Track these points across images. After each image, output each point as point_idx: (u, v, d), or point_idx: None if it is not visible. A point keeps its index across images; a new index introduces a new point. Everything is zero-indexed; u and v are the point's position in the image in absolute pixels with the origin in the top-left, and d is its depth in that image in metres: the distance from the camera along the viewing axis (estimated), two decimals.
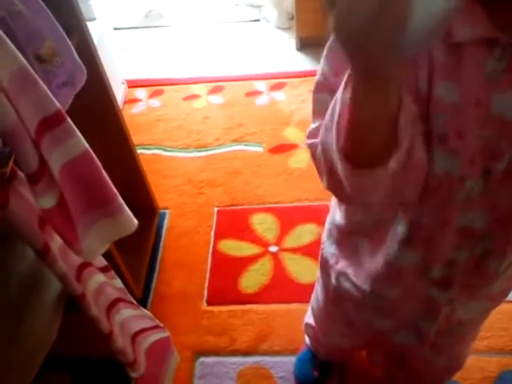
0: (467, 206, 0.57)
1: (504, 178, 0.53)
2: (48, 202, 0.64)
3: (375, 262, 0.70)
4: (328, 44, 0.55)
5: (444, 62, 0.48)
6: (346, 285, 0.78)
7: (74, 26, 1.09)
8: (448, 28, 0.46)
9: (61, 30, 0.72)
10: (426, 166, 0.53)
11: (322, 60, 0.56)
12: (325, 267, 0.85)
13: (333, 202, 0.79)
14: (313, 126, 0.58)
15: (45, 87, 0.58)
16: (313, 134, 0.58)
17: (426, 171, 0.54)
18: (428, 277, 0.67)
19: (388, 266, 0.68)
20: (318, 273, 0.93)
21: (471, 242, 0.61)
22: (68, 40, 0.74)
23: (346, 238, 0.76)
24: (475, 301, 0.74)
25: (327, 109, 0.52)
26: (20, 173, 0.64)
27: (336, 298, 0.87)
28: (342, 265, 0.78)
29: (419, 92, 0.50)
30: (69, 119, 0.63)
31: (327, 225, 0.83)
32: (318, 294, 0.99)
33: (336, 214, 0.77)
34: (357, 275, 0.75)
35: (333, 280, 0.83)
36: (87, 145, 0.66)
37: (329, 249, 0.82)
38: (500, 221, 0.59)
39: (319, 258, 0.87)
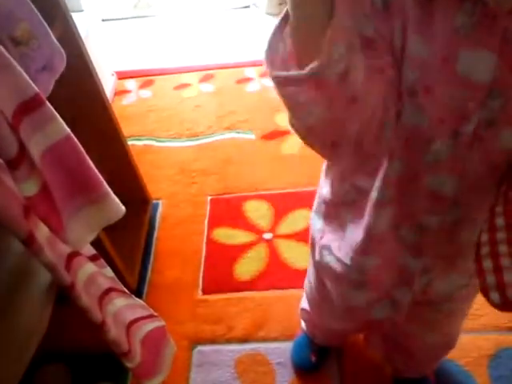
0: (436, 167, 0.57)
1: (473, 142, 0.53)
2: (30, 188, 0.63)
3: (356, 234, 0.70)
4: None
5: (416, 15, 0.47)
6: (328, 258, 0.79)
7: (56, 15, 1.07)
8: None
9: (36, 12, 0.70)
10: (370, 103, 0.50)
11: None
12: (313, 245, 0.85)
13: (321, 178, 0.79)
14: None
15: (21, 70, 0.57)
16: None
17: (373, 110, 0.51)
18: (398, 236, 0.67)
19: (366, 236, 0.68)
20: (309, 256, 0.92)
21: (442, 207, 0.61)
22: (44, 22, 0.73)
23: (333, 211, 0.76)
24: (456, 274, 0.74)
25: None
26: (0, 160, 0.62)
27: (317, 274, 0.88)
28: (327, 239, 0.78)
29: (394, 43, 0.49)
30: (48, 103, 0.61)
31: (315, 199, 0.83)
32: (309, 276, 0.99)
33: (323, 188, 0.77)
34: (340, 248, 0.75)
35: (316, 255, 0.83)
36: (69, 130, 0.65)
37: (316, 224, 0.82)
38: (472, 189, 0.58)
39: (309, 236, 0.87)
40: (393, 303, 0.79)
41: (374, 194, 0.64)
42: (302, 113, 0.50)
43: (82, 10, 2.19)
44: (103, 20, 2.61)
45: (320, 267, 0.84)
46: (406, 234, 0.67)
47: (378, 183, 0.62)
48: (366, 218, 0.67)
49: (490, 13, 0.44)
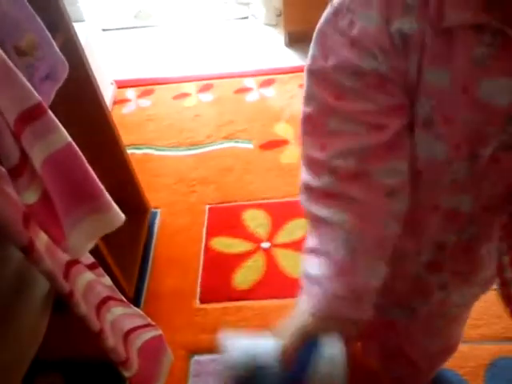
0: (453, 188, 0.57)
1: (490, 163, 0.53)
2: (31, 196, 0.63)
3: None
4: (317, 29, 0.54)
5: (434, 47, 0.47)
6: None
7: (59, 25, 1.08)
8: (440, 12, 0.45)
9: (41, 23, 0.71)
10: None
11: (312, 44, 0.56)
12: None
13: None
14: (307, 109, 0.56)
15: (24, 79, 0.58)
16: (306, 122, 0.57)
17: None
18: (419, 260, 0.67)
19: None
20: None
21: (458, 225, 0.61)
22: (48, 33, 0.74)
23: None
24: (468, 286, 0.74)
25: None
26: (2, 168, 0.63)
27: None
28: None
29: (408, 77, 0.50)
30: (50, 112, 0.62)
31: None
32: None
33: None
34: None
35: None
36: (70, 138, 0.65)
37: None
38: (486, 208, 0.59)
39: None
40: (411, 310, 0.80)
41: None
42: None
43: (83, 20, 2.21)
44: (104, 30, 2.63)
45: None
46: (425, 256, 0.67)
47: None
48: None
49: (509, 42, 0.44)
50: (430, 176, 0.56)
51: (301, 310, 0.56)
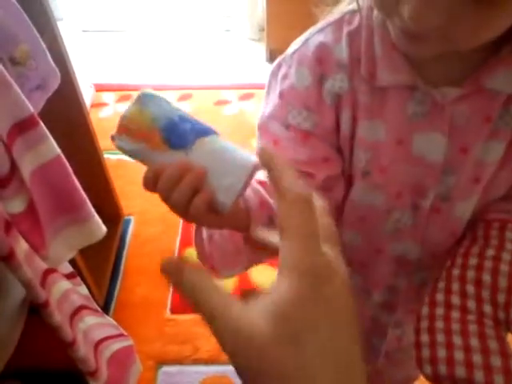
0: (397, 236, 0.59)
1: (431, 213, 0.55)
2: (17, 206, 0.63)
3: None
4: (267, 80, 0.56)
5: (368, 103, 0.50)
6: None
7: (44, 27, 1.08)
8: (372, 73, 0.48)
9: (36, 33, 0.71)
10: None
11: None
12: None
13: None
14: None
15: (18, 91, 0.58)
16: None
17: None
18: (371, 300, 0.69)
19: None
20: None
21: (408, 270, 0.63)
22: (42, 44, 0.74)
23: None
24: None
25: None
26: None
27: None
28: None
29: (340, 131, 0.52)
30: (42, 124, 0.62)
31: None
32: None
33: None
34: None
35: None
36: (59, 150, 0.66)
37: None
38: (434, 255, 0.61)
39: None
40: (371, 348, 0.82)
41: None
42: None
43: (61, 19, 2.19)
44: (83, 30, 2.61)
45: None
46: (378, 297, 0.69)
47: None
48: None
49: (438, 102, 0.48)
50: (372, 222, 0.58)
51: None
